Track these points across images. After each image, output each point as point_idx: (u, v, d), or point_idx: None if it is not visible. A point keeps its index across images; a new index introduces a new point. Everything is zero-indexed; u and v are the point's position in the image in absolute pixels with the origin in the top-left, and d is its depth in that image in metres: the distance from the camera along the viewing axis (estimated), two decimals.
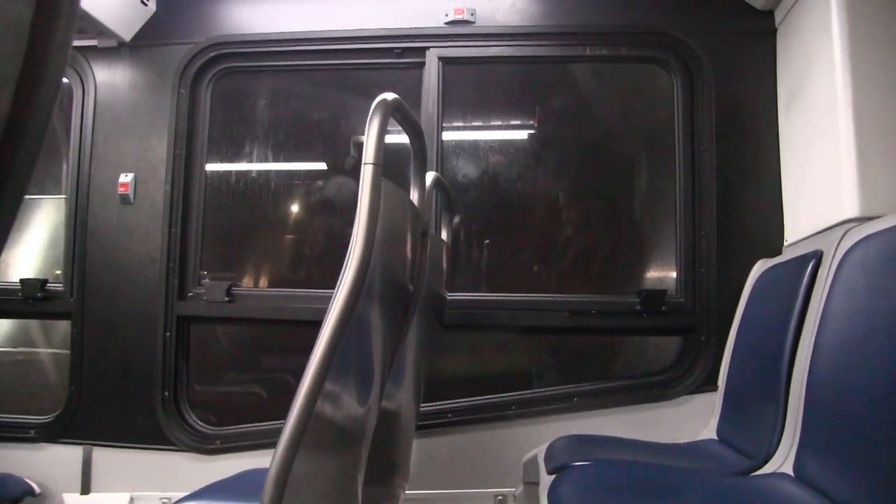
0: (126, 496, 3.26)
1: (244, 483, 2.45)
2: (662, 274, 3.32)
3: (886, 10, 2.49)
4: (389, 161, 1.50)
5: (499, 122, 3.62)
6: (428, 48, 3.35)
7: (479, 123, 3.58)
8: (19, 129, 0.49)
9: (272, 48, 3.44)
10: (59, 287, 3.42)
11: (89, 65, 3.43)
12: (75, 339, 3.34)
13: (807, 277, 2.30)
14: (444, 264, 2.79)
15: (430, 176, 2.36)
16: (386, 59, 3.41)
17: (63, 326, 3.46)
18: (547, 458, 2.48)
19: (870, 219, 2.20)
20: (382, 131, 1.51)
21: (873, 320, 1.83)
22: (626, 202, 3.54)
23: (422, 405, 3.01)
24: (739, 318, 2.94)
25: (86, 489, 3.28)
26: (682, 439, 2.91)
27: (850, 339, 1.96)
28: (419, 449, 3.07)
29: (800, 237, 2.81)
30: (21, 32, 0.47)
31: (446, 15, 3.33)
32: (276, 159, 3.69)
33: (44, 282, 3.40)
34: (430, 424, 3.14)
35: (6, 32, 0.46)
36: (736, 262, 3.04)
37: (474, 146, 3.52)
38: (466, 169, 3.49)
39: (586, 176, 3.57)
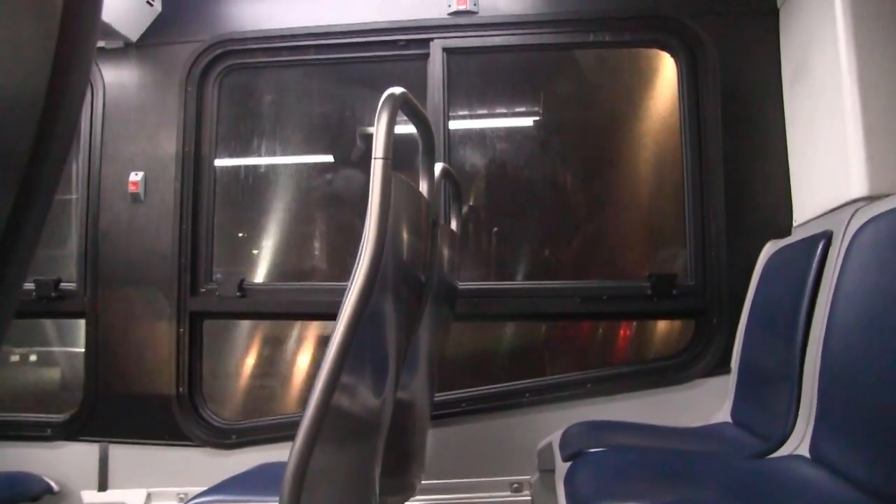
0: (143, 492, 3.28)
1: (261, 477, 2.47)
2: (672, 256, 3.32)
3: None
4: (396, 150, 1.51)
5: (504, 111, 3.62)
6: (432, 39, 3.34)
7: (485, 112, 3.58)
8: (47, 139, 0.50)
9: (277, 44, 3.44)
10: (72, 286, 3.44)
11: (97, 66, 3.45)
12: (90, 338, 3.36)
13: (817, 258, 2.30)
14: (455, 254, 2.79)
15: (438, 167, 2.37)
16: (390, 52, 3.41)
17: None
18: (562, 445, 2.48)
19: (879, 198, 2.19)
20: (391, 126, 1.52)
21: (885, 299, 1.83)
22: (634, 186, 3.54)
23: (435, 395, 3.02)
24: (751, 299, 2.93)
25: (103, 486, 3.30)
26: (697, 423, 2.91)
27: (862, 319, 1.96)
28: (434, 438, 3.08)
29: (809, 217, 2.81)
30: (48, 45, 0.48)
31: (449, 6, 3.33)
32: (283, 153, 3.70)
33: (57, 281, 3.42)
34: (444, 414, 3.15)
35: (35, 45, 0.47)
36: (745, 243, 3.04)
37: (481, 135, 3.52)
38: (474, 158, 3.49)
39: (593, 161, 3.57)
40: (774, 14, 3.13)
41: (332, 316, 1.35)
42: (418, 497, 2.98)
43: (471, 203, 3.48)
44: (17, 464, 3.28)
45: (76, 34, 0.50)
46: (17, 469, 3.23)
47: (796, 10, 2.93)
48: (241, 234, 3.71)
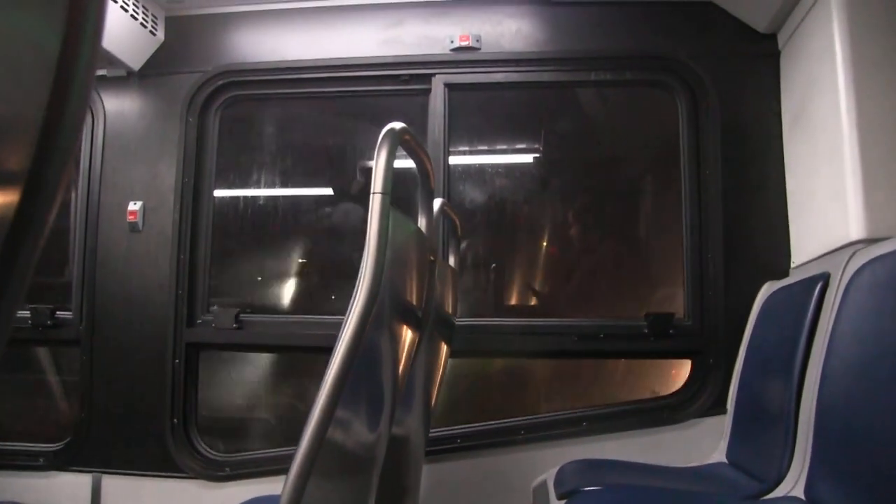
0: None
1: None
2: (670, 296, 3.32)
3: (889, 32, 2.50)
4: (395, 184, 1.52)
5: (505, 147, 3.64)
6: (434, 75, 3.37)
7: (485, 148, 3.60)
8: (44, 167, 0.50)
9: (279, 76, 3.46)
10: (68, 315, 3.43)
11: (98, 94, 3.47)
12: (84, 367, 3.35)
13: (814, 300, 2.30)
14: (452, 289, 2.79)
15: (437, 202, 2.38)
16: (392, 86, 3.44)
17: None
18: (557, 484, 2.47)
19: (877, 240, 2.20)
20: (391, 160, 1.52)
21: (882, 342, 1.83)
22: (633, 225, 3.55)
23: (431, 430, 3.00)
24: (747, 340, 2.93)
25: None
26: (693, 463, 2.90)
27: (859, 362, 1.95)
28: (428, 474, 3.06)
29: (806, 259, 2.81)
30: (48, 65, 0.49)
31: (452, 42, 3.36)
32: (283, 185, 3.71)
33: (53, 309, 3.41)
34: (439, 450, 3.13)
35: (33, 73, 0.48)
36: (743, 283, 3.04)
37: (481, 171, 3.54)
38: (473, 194, 3.50)
39: (592, 199, 3.58)
40: (775, 57, 3.16)
41: (329, 349, 1.35)
42: None
43: (469, 239, 3.49)
44: (9, 493, 3.26)
45: (76, 61, 0.51)
46: (9, 499, 3.21)
47: (797, 53, 2.96)
48: (239, 266, 3.71)
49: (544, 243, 3.56)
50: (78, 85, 0.51)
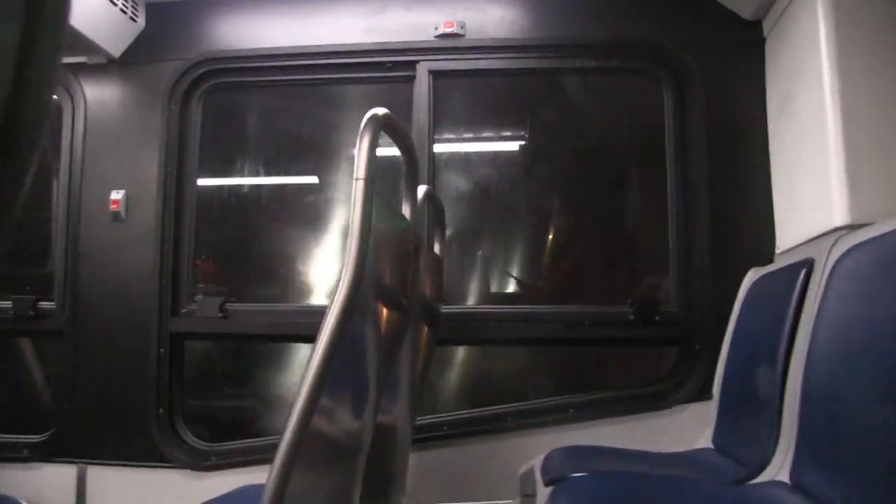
0: None
1: (240, 500, 2.44)
2: (656, 283, 3.32)
3: (874, 19, 2.50)
4: (380, 173, 1.51)
5: (490, 134, 3.62)
6: (418, 62, 3.35)
7: (471, 136, 3.59)
8: (8, 157, 0.49)
9: (262, 63, 3.44)
10: (51, 305, 3.41)
11: (78, 82, 3.43)
12: (68, 357, 3.32)
13: (799, 285, 2.31)
14: (437, 278, 2.79)
15: (421, 190, 2.37)
16: (376, 73, 3.42)
17: None
18: (543, 470, 2.47)
19: (860, 226, 2.21)
20: (373, 147, 1.51)
21: (866, 327, 1.84)
22: (618, 212, 3.55)
23: (417, 418, 3.00)
24: (733, 326, 2.94)
25: None
26: (679, 448, 2.90)
27: (843, 347, 1.96)
28: (415, 462, 3.06)
29: (791, 245, 2.82)
30: (7, 55, 0.47)
31: (436, 28, 3.34)
32: (267, 174, 3.69)
33: (36, 300, 3.39)
34: (425, 437, 3.13)
35: None
36: (728, 270, 3.04)
37: (466, 159, 3.53)
38: (458, 182, 3.49)
39: (578, 186, 3.57)
40: (761, 44, 3.16)
41: (313, 338, 1.34)
42: None
43: (454, 227, 3.48)
44: None
45: (36, 51, 0.49)
46: None
47: (782, 40, 2.96)
48: (223, 255, 3.70)
49: (530, 230, 3.55)
50: (40, 76, 0.50)
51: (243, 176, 3.67)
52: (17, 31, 0.47)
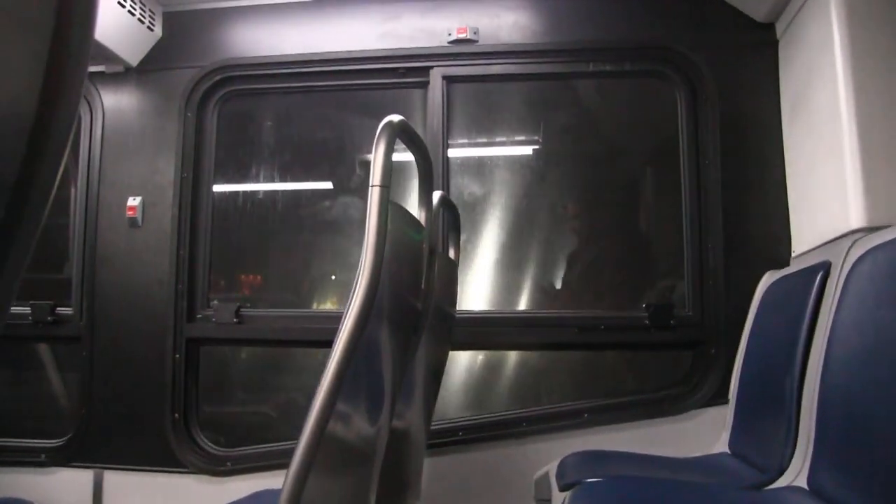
0: None
1: None
2: (671, 287, 3.31)
3: (887, 20, 2.49)
4: (395, 178, 1.51)
5: (504, 139, 3.62)
6: (432, 67, 3.36)
7: (484, 140, 3.59)
8: (36, 163, 0.49)
9: (277, 70, 3.46)
10: (68, 311, 3.43)
11: (97, 90, 3.47)
12: (85, 363, 3.35)
13: (815, 289, 2.30)
14: (453, 283, 2.79)
15: (436, 195, 2.37)
16: (390, 79, 3.43)
17: None
18: (559, 475, 2.47)
19: (877, 229, 2.19)
20: (389, 153, 1.52)
21: (883, 331, 1.83)
22: (633, 216, 3.54)
23: (432, 423, 3.00)
24: (748, 330, 2.92)
25: None
26: (695, 453, 2.89)
27: (860, 351, 1.95)
28: (430, 467, 3.06)
29: (807, 248, 2.80)
30: (38, 67, 0.48)
31: (449, 34, 3.35)
32: (282, 180, 3.70)
33: (54, 306, 3.42)
34: (440, 442, 3.13)
35: (24, 67, 0.47)
36: (744, 273, 3.03)
37: (480, 163, 3.53)
38: (472, 186, 3.49)
39: (591, 190, 3.57)
40: (774, 46, 3.15)
41: (329, 343, 1.34)
42: None
43: (468, 232, 3.48)
44: (11, 490, 3.26)
45: (67, 56, 0.50)
46: (10, 495, 3.21)
47: (795, 42, 2.95)
48: (239, 261, 3.71)
49: (545, 234, 3.54)
50: (70, 80, 0.51)
51: (258, 182, 3.69)
52: (49, 35, 0.48)
